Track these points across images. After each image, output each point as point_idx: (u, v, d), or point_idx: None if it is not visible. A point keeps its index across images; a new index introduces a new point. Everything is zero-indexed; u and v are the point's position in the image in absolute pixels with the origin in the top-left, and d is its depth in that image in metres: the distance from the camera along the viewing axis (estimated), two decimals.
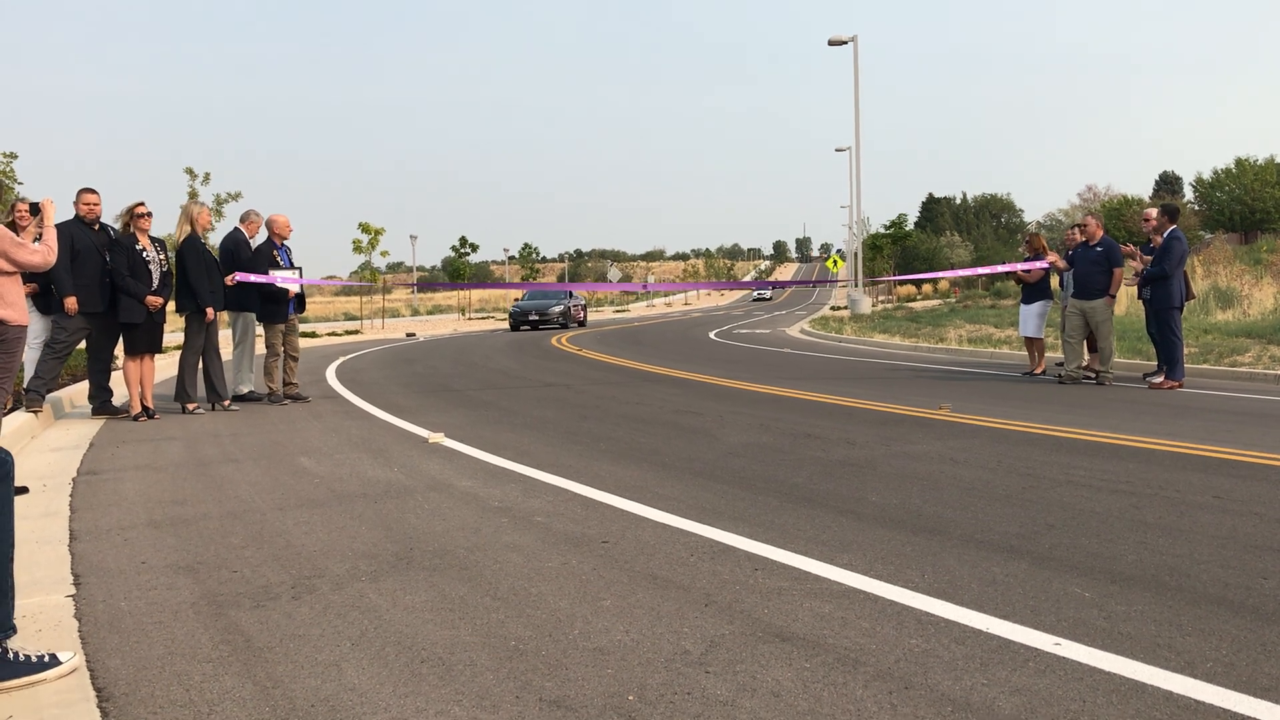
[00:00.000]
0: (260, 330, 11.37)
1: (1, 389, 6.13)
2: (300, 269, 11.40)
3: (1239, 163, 76.29)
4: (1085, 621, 3.48)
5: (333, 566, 4.41)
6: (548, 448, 7.56)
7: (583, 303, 41.67)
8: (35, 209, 6.75)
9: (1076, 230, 12.75)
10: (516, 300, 42.10)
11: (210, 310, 10.11)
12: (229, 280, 10.65)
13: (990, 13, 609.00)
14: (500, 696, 2.97)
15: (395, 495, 5.93)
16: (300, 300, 11.50)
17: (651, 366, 16.01)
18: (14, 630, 3.20)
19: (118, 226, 9.71)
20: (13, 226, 8.85)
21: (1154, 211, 11.97)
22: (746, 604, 3.76)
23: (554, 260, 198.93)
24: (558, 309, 36.89)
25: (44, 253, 6.18)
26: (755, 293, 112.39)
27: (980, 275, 23.13)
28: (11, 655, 3.15)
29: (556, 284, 46.86)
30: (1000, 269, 16.30)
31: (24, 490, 6.23)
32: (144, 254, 9.58)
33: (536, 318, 36.20)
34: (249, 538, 4.98)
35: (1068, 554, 4.35)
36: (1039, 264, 13.27)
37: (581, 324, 39.53)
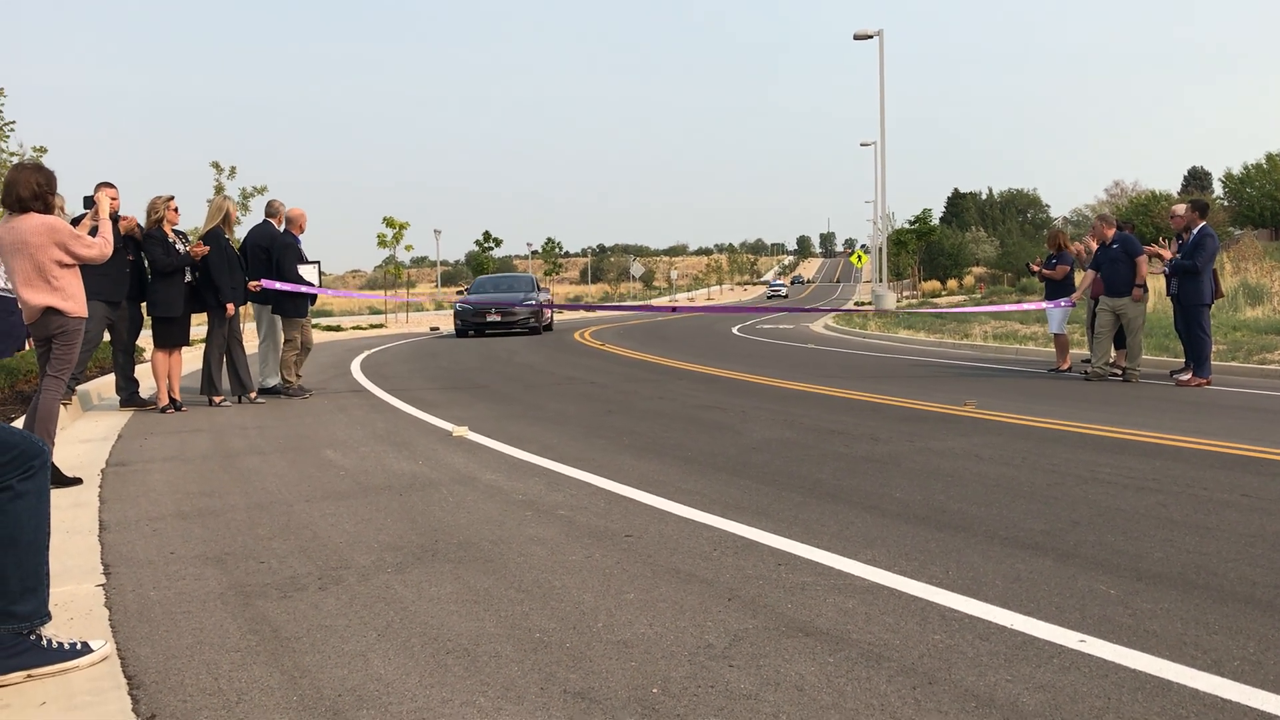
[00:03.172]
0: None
1: (59, 378, 6.24)
2: (318, 262, 11.50)
3: (1269, 158, 75.40)
4: (1110, 619, 3.47)
5: (359, 558, 4.45)
6: (571, 442, 7.58)
7: (549, 297, 30.67)
8: (90, 202, 6.85)
9: (1090, 238, 12.75)
10: (462, 292, 30.37)
11: (230, 305, 10.17)
12: (253, 286, 10.72)
13: (1017, 6, 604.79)
14: (525, 688, 2.99)
15: (420, 488, 5.96)
16: (313, 295, 11.60)
17: (675, 362, 16.02)
18: (49, 617, 3.24)
19: (144, 222, 9.79)
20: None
21: (1181, 208, 11.88)
22: (770, 599, 3.77)
23: (577, 255, 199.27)
24: (526, 306, 26.25)
25: (100, 245, 6.29)
26: (770, 290, 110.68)
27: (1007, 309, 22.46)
28: (45, 642, 3.19)
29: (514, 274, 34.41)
30: (1038, 305, 15.02)
31: (78, 481, 6.31)
32: (175, 245, 9.69)
33: (497, 318, 25.87)
34: (276, 529, 5.02)
35: (1093, 551, 4.33)
36: (1081, 289, 13.03)
37: (548, 327, 28.90)
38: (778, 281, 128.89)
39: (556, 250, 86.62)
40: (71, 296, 6.13)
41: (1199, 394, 10.43)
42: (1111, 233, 11.91)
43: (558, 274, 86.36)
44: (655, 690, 2.95)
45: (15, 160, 19.53)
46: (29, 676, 3.13)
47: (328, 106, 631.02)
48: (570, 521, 5.05)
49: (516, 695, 2.93)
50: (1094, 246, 12.79)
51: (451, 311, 26.73)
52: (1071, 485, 5.71)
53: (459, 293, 31.84)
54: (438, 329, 33.67)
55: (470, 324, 26.13)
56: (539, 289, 29.33)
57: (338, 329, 32.46)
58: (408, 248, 41.36)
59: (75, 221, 8.80)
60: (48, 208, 5.95)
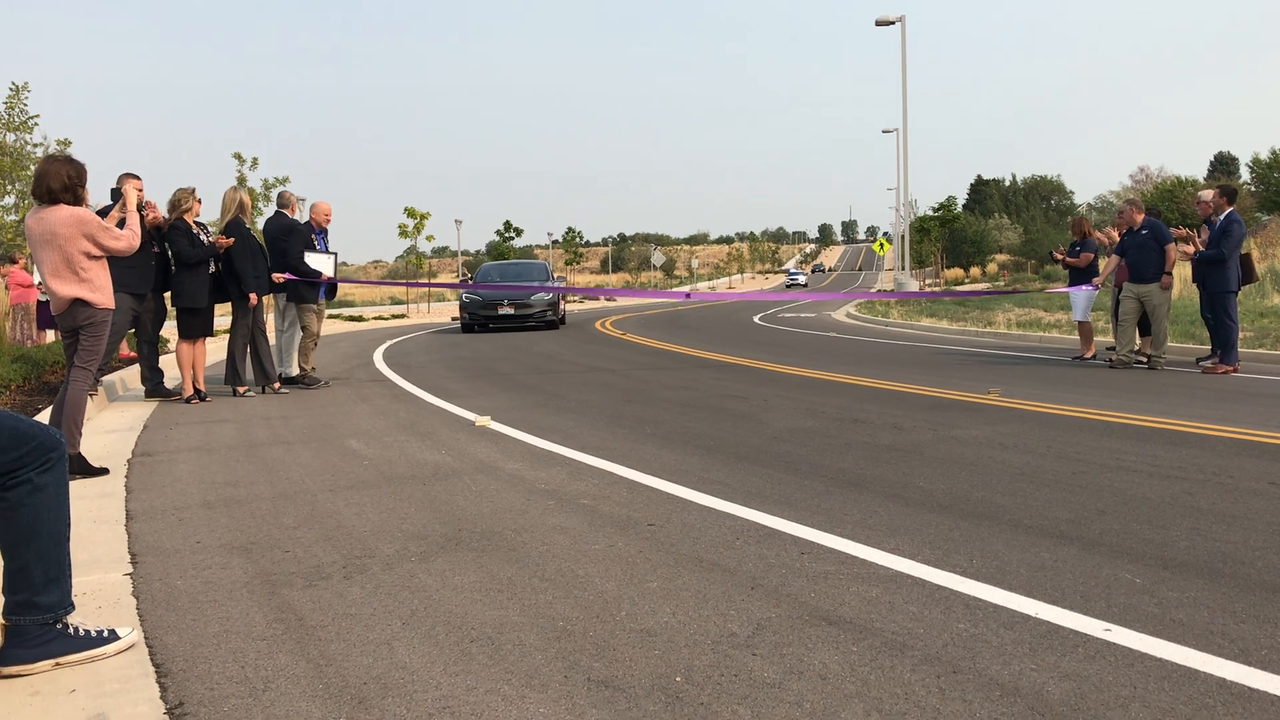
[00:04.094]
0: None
1: (87, 369, 6.30)
2: (335, 254, 11.53)
3: None
4: (1136, 607, 3.45)
5: (383, 547, 4.47)
6: (593, 431, 7.59)
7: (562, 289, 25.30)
8: (117, 194, 6.89)
9: (1112, 229, 12.66)
10: (467, 280, 25.70)
11: (253, 295, 10.21)
12: (277, 278, 10.78)
13: None
14: (549, 676, 3.00)
15: (443, 477, 5.98)
16: (332, 287, 11.61)
17: (696, 351, 16.01)
18: (72, 607, 3.27)
19: (166, 213, 9.84)
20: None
21: (1208, 194, 11.76)
22: (793, 587, 3.76)
23: (597, 244, 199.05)
24: (544, 298, 22.71)
25: (128, 238, 6.34)
26: (788, 279, 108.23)
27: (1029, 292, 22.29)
28: (72, 630, 3.23)
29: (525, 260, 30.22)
30: (1062, 289, 14.99)
31: (105, 471, 6.37)
32: (200, 237, 9.75)
33: (510, 311, 22.37)
34: (301, 518, 5.05)
35: (1118, 540, 4.30)
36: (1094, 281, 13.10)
37: (562, 320, 24.72)
38: (796, 270, 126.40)
39: (577, 240, 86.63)
40: (99, 288, 6.18)
41: (1225, 381, 10.34)
42: (1141, 218, 11.80)
43: (578, 263, 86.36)
44: (679, 679, 2.95)
45: (40, 152, 19.68)
46: (57, 664, 3.16)
47: (349, 98, 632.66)
48: (593, 511, 5.05)
49: (540, 684, 2.94)
50: (1115, 236, 12.70)
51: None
52: (1096, 473, 5.67)
53: (462, 281, 27.11)
54: (460, 319, 33.73)
55: (478, 317, 22.75)
56: (550, 276, 25.57)
57: (360, 319, 32.59)
58: (429, 238, 41.32)
59: (102, 213, 8.83)
60: (77, 200, 6.00)
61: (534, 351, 16.42)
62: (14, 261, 16.66)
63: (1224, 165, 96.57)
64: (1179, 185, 69.57)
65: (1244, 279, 11.54)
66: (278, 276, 10.79)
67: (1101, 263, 13.44)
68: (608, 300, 57.50)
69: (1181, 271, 17.10)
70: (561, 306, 24.55)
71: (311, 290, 11.23)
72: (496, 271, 25.86)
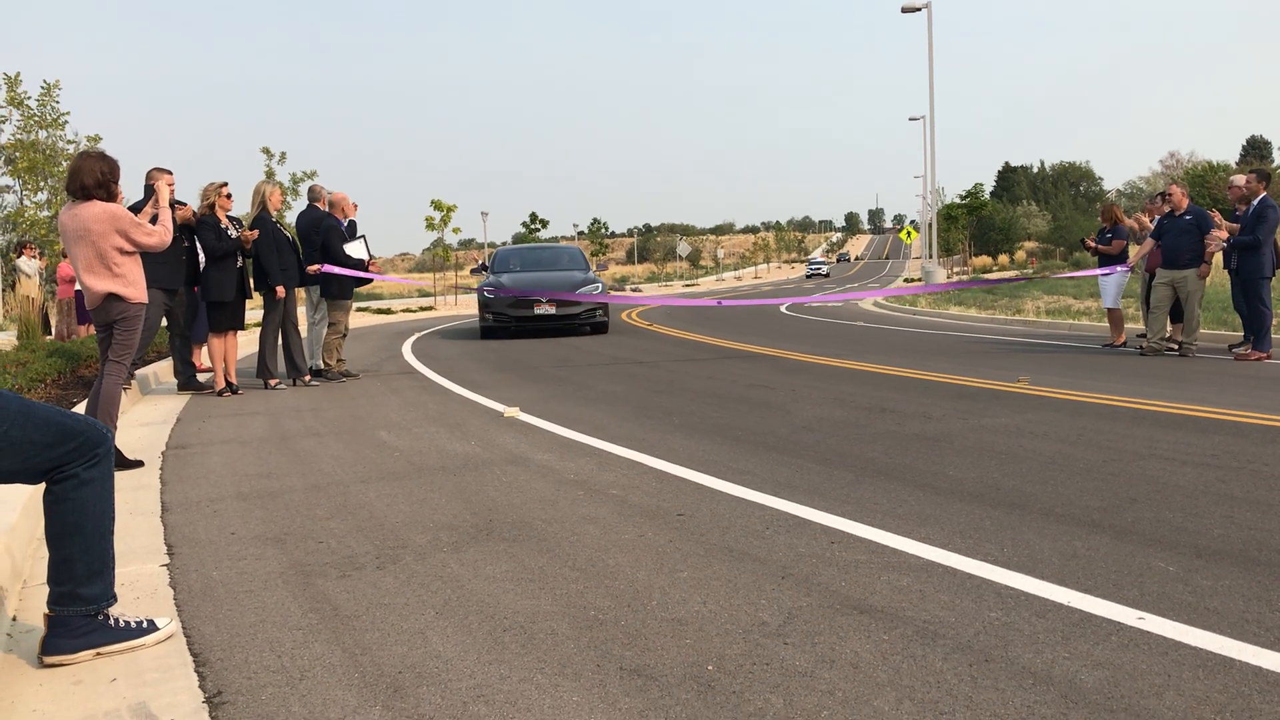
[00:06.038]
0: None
1: (121, 363, 6.39)
2: (364, 236, 11.60)
3: None
4: (1169, 596, 3.43)
5: (415, 537, 4.51)
6: (621, 422, 7.61)
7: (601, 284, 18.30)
8: (150, 190, 6.95)
9: (1160, 199, 12.44)
10: (483, 266, 20.74)
11: (280, 288, 10.27)
12: (312, 270, 10.85)
13: None
14: (581, 665, 3.02)
15: (473, 468, 6.02)
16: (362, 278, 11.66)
17: (723, 341, 15.99)
18: (115, 599, 3.32)
19: (197, 208, 9.92)
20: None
21: (1240, 179, 11.63)
22: (823, 576, 3.77)
23: (623, 235, 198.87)
24: (592, 290, 17.43)
25: (160, 234, 6.41)
26: (810, 269, 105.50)
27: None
28: (113, 622, 3.28)
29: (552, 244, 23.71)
30: (1094, 272, 14.55)
31: (140, 464, 6.45)
32: (228, 231, 9.82)
33: (550, 310, 17.25)
34: (333, 510, 5.10)
35: (1151, 528, 4.28)
36: (1119, 267, 12.97)
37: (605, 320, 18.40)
38: (819, 259, 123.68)
39: (602, 230, 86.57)
40: (133, 283, 6.26)
41: (1258, 368, 10.24)
42: (1188, 202, 11.67)
43: (604, 254, 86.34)
44: (711, 667, 2.96)
45: (71, 149, 19.90)
46: (98, 654, 3.21)
47: (375, 91, 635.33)
48: (622, 501, 5.07)
49: (574, 672, 2.97)
50: (1148, 221, 12.57)
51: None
52: (1128, 461, 5.64)
53: (473, 270, 21.59)
54: None
55: (509, 319, 17.58)
56: (586, 266, 19.50)
57: (388, 312, 32.74)
58: (455, 230, 41.45)
59: (135, 209, 8.90)
60: (110, 196, 6.06)
61: (561, 344, 16.45)
62: (64, 256, 16.90)
63: (1256, 149, 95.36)
64: (1210, 170, 68.72)
65: (1277, 264, 11.41)
66: (313, 269, 10.86)
67: (1132, 249, 13.31)
68: (633, 291, 57.60)
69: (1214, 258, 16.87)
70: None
71: (349, 286, 11.30)
72: (517, 258, 20.09)
